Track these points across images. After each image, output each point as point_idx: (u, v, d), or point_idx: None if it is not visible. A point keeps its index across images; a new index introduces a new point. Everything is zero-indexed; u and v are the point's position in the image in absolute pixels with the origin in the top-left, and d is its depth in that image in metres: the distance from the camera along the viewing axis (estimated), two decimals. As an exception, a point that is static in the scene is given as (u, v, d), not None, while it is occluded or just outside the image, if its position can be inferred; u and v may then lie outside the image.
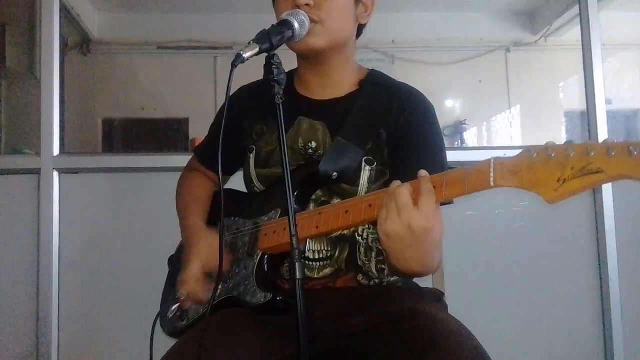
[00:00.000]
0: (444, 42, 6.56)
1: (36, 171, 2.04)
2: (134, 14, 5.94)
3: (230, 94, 1.19)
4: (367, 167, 1.24)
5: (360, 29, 1.31)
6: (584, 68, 2.35)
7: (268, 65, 1.02)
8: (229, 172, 1.33)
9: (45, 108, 2.07)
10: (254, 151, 1.33)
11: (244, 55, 1.00)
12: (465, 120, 7.18)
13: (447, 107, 7.48)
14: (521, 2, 6.56)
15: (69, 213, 2.06)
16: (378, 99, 1.29)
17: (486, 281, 2.19)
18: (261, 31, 1.05)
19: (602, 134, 2.28)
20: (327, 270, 1.24)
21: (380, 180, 1.25)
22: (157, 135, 6.04)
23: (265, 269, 1.17)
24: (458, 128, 7.06)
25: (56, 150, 2.07)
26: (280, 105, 1.01)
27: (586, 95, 2.35)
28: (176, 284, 1.26)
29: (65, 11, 5.29)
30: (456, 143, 6.88)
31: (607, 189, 2.18)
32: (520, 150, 0.91)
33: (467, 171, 0.94)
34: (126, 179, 2.12)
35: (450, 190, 0.95)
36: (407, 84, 1.34)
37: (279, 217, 1.20)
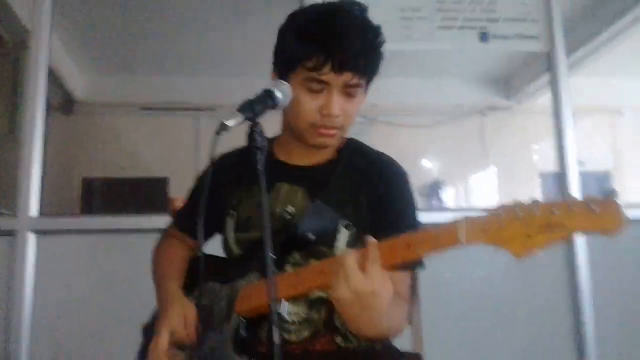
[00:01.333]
0: (422, 106, 6.75)
1: (12, 233, 2.01)
2: (118, 76, 6.03)
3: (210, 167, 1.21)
4: (346, 232, 1.27)
5: None
6: (557, 132, 2.43)
7: (251, 133, 1.04)
8: (206, 237, 1.33)
9: (24, 169, 2.06)
10: (234, 216, 1.34)
11: (227, 124, 1.03)
12: (443, 180, 7.29)
13: (425, 168, 7.62)
14: (496, 69, 6.81)
15: (45, 276, 2.03)
16: (357, 166, 1.32)
17: (466, 334, 2.18)
18: (245, 101, 1.08)
19: (576, 195, 2.33)
20: (306, 333, 1.23)
21: (358, 244, 1.26)
22: (136, 195, 6.02)
23: (242, 333, 1.17)
24: (435, 188, 7.16)
25: (34, 212, 2.05)
26: (262, 170, 1.04)
27: (559, 158, 2.42)
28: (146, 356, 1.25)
29: (50, 72, 5.38)
30: (434, 203, 6.97)
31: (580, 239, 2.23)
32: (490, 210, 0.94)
33: (439, 229, 0.98)
34: (105, 241, 2.10)
35: (422, 247, 0.99)
36: (382, 153, 1.38)
37: (257, 279, 1.21)
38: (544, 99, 6.69)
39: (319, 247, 1.24)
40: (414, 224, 1.29)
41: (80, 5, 4.49)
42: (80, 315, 2.02)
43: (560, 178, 2.46)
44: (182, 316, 1.19)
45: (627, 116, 7.15)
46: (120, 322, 2.00)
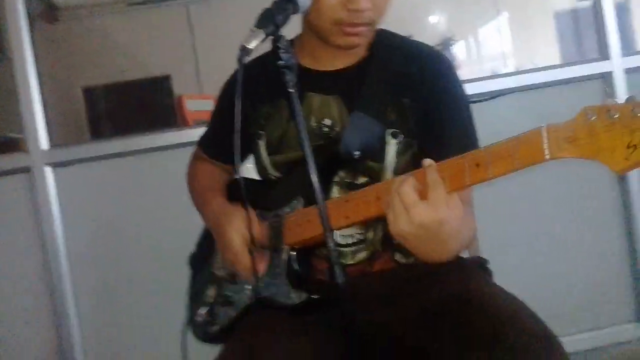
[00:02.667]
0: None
1: (27, 169, 1.92)
2: (97, -27, 5.64)
3: (232, 86, 1.07)
4: (394, 141, 1.12)
5: None
6: None
7: (275, 50, 0.89)
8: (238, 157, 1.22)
9: (24, 100, 1.92)
10: (263, 137, 1.21)
11: (249, 47, 0.87)
12: (453, 36, 6.99)
13: (432, 23, 7.27)
14: None
15: (70, 208, 1.97)
16: (393, 63, 1.14)
17: (517, 241, 2.13)
18: (262, 12, 0.92)
19: (610, 23, 2.14)
20: (363, 254, 1.14)
21: (409, 152, 1.13)
22: (141, 97, 5.87)
23: (295, 266, 1.09)
24: (446, 45, 6.88)
25: (45, 145, 1.94)
26: (295, 93, 0.90)
27: None
28: (222, 264, 1.18)
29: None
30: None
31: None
32: (573, 117, 0.77)
33: (514, 143, 0.81)
34: (121, 164, 2.00)
35: (496, 167, 0.82)
36: (421, 42, 1.21)
37: (302, 207, 1.11)
38: None
39: (367, 162, 1.12)
40: (470, 130, 1.13)
41: None
42: (114, 241, 1.99)
43: (592, 13, 2.24)
44: (247, 220, 1.10)
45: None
46: (155, 241, 1.98)
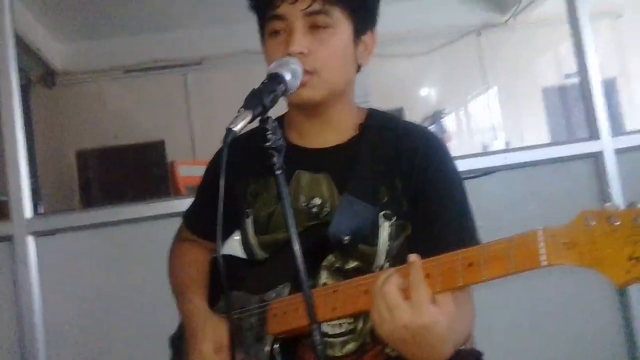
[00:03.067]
0: (415, 32, 6.49)
1: (9, 238, 1.89)
2: (96, 41, 5.76)
3: (219, 160, 1.06)
4: (387, 224, 1.10)
5: (359, 68, 1.17)
6: (574, 37, 2.24)
7: (263, 131, 0.88)
8: (223, 238, 1.19)
9: (11, 165, 1.91)
10: (251, 216, 1.19)
11: (235, 129, 0.86)
12: (444, 109, 7.11)
13: (423, 96, 7.42)
14: (487, -16, 6.51)
15: (50, 279, 1.91)
16: (384, 143, 1.13)
17: (512, 336, 2.08)
18: (250, 93, 0.91)
19: (599, 103, 2.18)
20: (352, 346, 1.09)
21: (402, 236, 1.11)
22: (134, 162, 5.87)
23: (279, 358, 1.04)
24: (437, 118, 7.00)
25: (28, 213, 1.91)
26: (282, 176, 0.88)
27: (578, 64, 2.25)
28: None
29: (24, 46, 5.16)
30: (432, 130, 6.82)
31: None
32: (573, 219, 0.74)
33: (510, 245, 0.77)
34: (107, 234, 1.97)
35: (491, 269, 0.78)
36: (411, 123, 1.20)
37: (288, 293, 1.07)
38: (540, 11, 6.47)
39: (358, 246, 1.09)
40: (465, 220, 1.10)
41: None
42: (94, 314, 1.93)
43: (580, 89, 2.28)
44: (219, 330, 1.06)
45: (625, 17, 6.88)
46: (135, 314, 1.92)
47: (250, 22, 1.20)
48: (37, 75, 5.59)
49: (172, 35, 5.80)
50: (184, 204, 1.62)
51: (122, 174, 5.70)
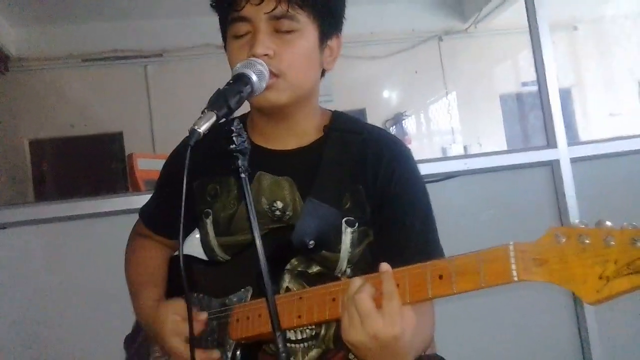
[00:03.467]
0: (378, 35, 6.54)
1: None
2: (54, 27, 5.58)
3: (178, 157, 1.04)
4: (349, 230, 1.09)
5: (323, 72, 1.16)
6: (533, 47, 2.30)
7: (228, 133, 0.87)
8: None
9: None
10: (210, 216, 1.17)
11: (199, 130, 0.85)
12: (405, 111, 7.19)
13: (385, 98, 7.49)
14: (450, -9, 6.61)
15: (2, 275, 1.85)
16: (349, 147, 1.12)
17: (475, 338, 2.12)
18: (215, 93, 0.90)
19: (557, 113, 2.24)
20: (314, 353, 1.09)
21: (364, 242, 1.11)
22: (91, 153, 5.73)
23: None
24: (398, 120, 7.07)
25: (-19, 204, 1.84)
26: (247, 179, 0.87)
27: (537, 73, 2.31)
28: (162, 354, 1.11)
29: (-24, 29, 4.98)
30: (394, 133, 6.88)
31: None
32: (542, 235, 0.74)
33: (480, 258, 0.77)
34: (63, 229, 1.91)
35: (461, 283, 0.78)
36: (377, 127, 1.20)
37: (251, 297, 1.06)
38: (500, 19, 6.62)
39: (321, 251, 1.08)
40: (429, 229, 1.10)
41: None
42: (46, 312, 1.87)
43: (539, 97, 2.35)
44: (181, 317, 1.04)
45: (581, 30, 7.10)
46: (89, 315, 1.87)
47: (212, 16, 1.18)
48: (-11, 60, 5.39)
49: (133, 25, 5.68)
50: (142, 200, 1.58)
51: (78, 165, 5.55)
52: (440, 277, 0.81)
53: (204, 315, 1.07)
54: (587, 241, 0.69)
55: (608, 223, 0.68)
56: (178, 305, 1.06)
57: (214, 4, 1.10)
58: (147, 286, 1.18)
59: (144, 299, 1.16)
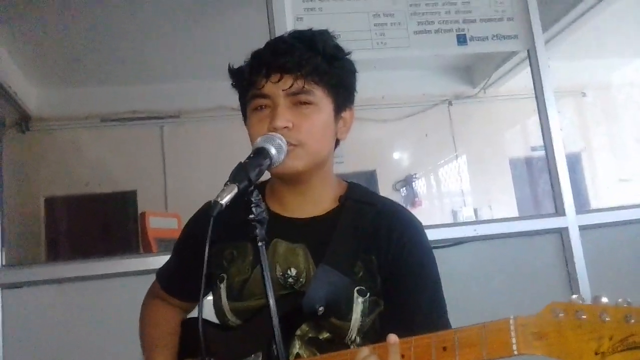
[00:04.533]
0: (389, 99, 6.68)
1: (-23, 289, 1.85)
2: (74, 89, 5.78)
3: (199, 224, 1.08)
4: (360, 299, 1.12)
5: (337, 142, 1.22)
6: (539, 114, 2.37)
7: (247, 204, 0.92)
8: (195, 299, 1.19)
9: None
10: (225, 281, 1.20)
11: (222, 202, 0.90)
12: (415, 173, 7.26)
13: (396, 160, 7.57)
14: (460, 58, 6.78)
15: (14, 335, 1.86)
16: (363, 218, 1.17)
17: None
18: (237, 167, 0.96)
19: (565, 181, 2.28)
20: None
21: (375, 312, 1.13)
22: (104, 211, 5.80)
23: None
24: (409, 181, 7.13)
25: (-2, 263, 1.88)
26: (264, 248, 0.91)
27: (544, 140, 2.37)
28: None
29: (0, 90, 5.15)
30: (404, 194, 6.92)
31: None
32: (542, 310, 0.77)
33: (483, 331, 0.80)
34: (76, 289, 1.94)
35: (466, 354, 0.80)
36: (390, 200, 1.25)
37: None
38: (509, 85, 6.76)
39: (331, 318, 1.11)
40: (437, 303, 1.14)
41: (27, 15, 4.26)
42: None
43: (546, 162, 2.40)
44: None
45: (589, 96, 7.22)
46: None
47: (226, 80, 1.25)
48: (11, 120, 5.55)
49: (151, 87, 5.86)
50: (155, 261, 1.63)
51: (92, 222, 5.61)
52: (445, 348, 0.84)
53: None
54: (584, 317, 0.72)
55: (604, 299, 0.71)
56: None
57: (234, 83, 1.17)
58: (159, 349, 1.21)
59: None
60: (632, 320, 0.67)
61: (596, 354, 0.69)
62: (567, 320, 0.73)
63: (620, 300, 0.70)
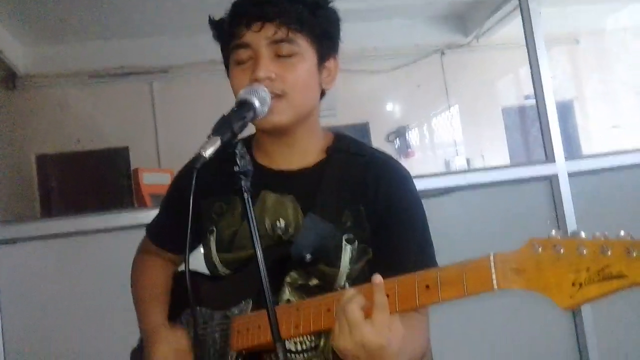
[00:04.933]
0: (381, 50, 6.61)
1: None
2: (61, 45, 5.68)
3: (185, 178, 1.09)
4: (349, 247, 1.14)
5: (323, 93, 1.21)
6: (530, 61, 2.34)
7: (232, 156, 0.92)
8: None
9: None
10: (214, 233, 1.21)
11: (205, 154, 0.90)
12: (408, 125, 7.25)
13: (388, 112, 7.55)
14: (451, 6, 6.68)
15: (9, 290, 1.88)
16: (350, 168, 1.17)
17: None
18: (220, 119, 0.95)
19: (555, 128, 2.28)
20: None
21: (363, 259, 1.15)
22: (97, 168, 5.79)
23: None
24: (401, 132, 7.13)
25: (-10, 220, 1.89)
26: (249, 199, 0.92)
27: (534, 88, 2.35)
28: None
29: (-15, 47, 5.07)
30: (397, 146, 6.93)
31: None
32: (522, 246, 0.79)
33: (464, 269, 0.82)
34: (70, 244, 1.95)
35: (447, 291, 0.83)
36: (378, 150, 1.24)
37: (251, 309, 1.10)
38: (501, 34, 6.68)
39: (320, 265, 1.13)
40: (426, 249, 1.15)
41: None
42: (53, 326, 1.90)
43: (536, 110, 2.39)
44: (176, 352, 1.09)
45: (583, 44, 7.15)
46: (95, 329, 1.90)
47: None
48: (-1, 78, 5.49)
49: (139, 42, 5.77)
50: (149, 215, 1.63)
51: (84, 179, 5.61)
52: (427, 286, 0.87)
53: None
54: (562, 250, 0.74)
55: (582, 234, 0.73)
56: (173, 337, 1.10)
57: (216, 33, 1.15)
58: (151, 305, 1.23)
59: (146, 319, 1.20)
60: (609, 252, 0.71)
61: (573, 285, 0.72)
62: (545, 255, 0.75)
63: (597, 234, 0.72)
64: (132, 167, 5.63)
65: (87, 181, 5.64)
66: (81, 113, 5.74)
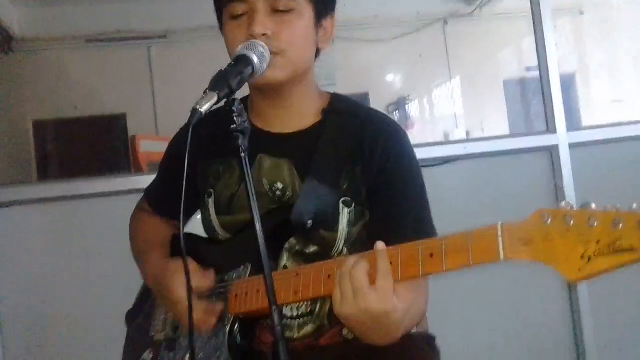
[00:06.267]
0: (382, 18, 6.51)
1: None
2: (57, 7, 5.58)
3: (182, 138, 1.06)
4: (346, 210, 1.12)
5: (318, 52, 1.18)
6: (535, 32, 2.30)
7: (229, 113, 0.89)
8: (185, 216, 1.17)
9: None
10: (212, 195, 1.19)
11: (201, 109, 0.86)
12: (408, 95, 7.19)
13: (388, 82, 7.48)
14: (455, -26, 6.57)
15: (5, 254, 1.87)
16: (346, 129, 1.14)
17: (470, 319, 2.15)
18: (217, 74, 0.91)
19: (557, 99, 2.24)
20: (309, 328, 1.12)
21: (360, 222, 1.13)
22: (94, 134, 5.75)
23: (238, 339, 1.06)
24: (401, 103, 7.08)
25: (-16, 184, 1.87)
26: (246, 158, 0.89)
27: (538, 58, 2.31)
28: (161, 328, 1.15)
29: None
30: (396, 117, 6.89)
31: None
32: (530, 216, 0.76)
33: (469, 237, 0.80)
34: (66, 208, 1.93)
35: (451, 261, 0.81)
36: (374, 109, 1.22)
37: (249, 273, 1.09)
38: (505, 3, 6.57)
39: (319, 230, 1.11)
40: (422, 210, 1.13)
41: None
42: (47, 290, 1.90)
43: (542, 80, 2.35)
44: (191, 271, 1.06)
45: (587, 14, 7.06)
46: (92, 292, 1.90)
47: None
48: (-7, 40, 5.40)
49: (136, 6, 5.67)
50: (145, 180, 1.60)
51: (81, 145, 5.58)
52: (431, 255, 0.85)
53: (211, 273, 1.10)
54: (572, 222, 0.72)
55: (593, 205, 0.71)
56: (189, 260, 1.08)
57: None
58: (155, 247, 1.21)
59: (153, 257, 1.18)
60: (620, 225, 0.68)
61: (582, 257, 0.70)
62: (554, 226, 0.73)
63: (609, 205, 0.70)
64: (130, 134, 5.59)
65: (85, 147, 5.60)
66: (78, 78, 5.67)
